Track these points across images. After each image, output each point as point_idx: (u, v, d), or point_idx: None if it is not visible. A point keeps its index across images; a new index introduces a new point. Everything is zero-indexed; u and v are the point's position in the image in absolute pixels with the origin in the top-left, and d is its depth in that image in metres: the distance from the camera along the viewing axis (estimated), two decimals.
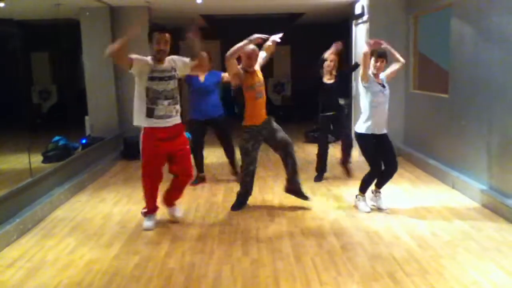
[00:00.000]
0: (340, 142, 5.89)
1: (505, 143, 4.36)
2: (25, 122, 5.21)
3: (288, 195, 4.92)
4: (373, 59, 4.39)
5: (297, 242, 3.82)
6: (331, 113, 5.61)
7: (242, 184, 4.73)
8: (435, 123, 5.94)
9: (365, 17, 7.06)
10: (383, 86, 4.45)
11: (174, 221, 4.39)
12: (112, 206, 4.94)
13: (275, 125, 4.65)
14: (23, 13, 7.01)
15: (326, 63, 5.54)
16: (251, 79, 4.47)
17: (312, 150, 7.03)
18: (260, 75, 4.57)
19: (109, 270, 3.39)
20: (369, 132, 4.39)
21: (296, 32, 11.49)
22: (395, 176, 5.79)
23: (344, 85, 5.61)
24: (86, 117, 7.62)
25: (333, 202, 4.91)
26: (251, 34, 4.44)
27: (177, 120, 4.11)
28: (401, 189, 5.30)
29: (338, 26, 10.11)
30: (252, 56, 4.48)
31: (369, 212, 4.48)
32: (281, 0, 7.39)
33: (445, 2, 5.61)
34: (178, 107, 4.10)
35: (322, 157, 5.77)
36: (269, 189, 5.41)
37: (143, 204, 4.98)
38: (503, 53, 4.37)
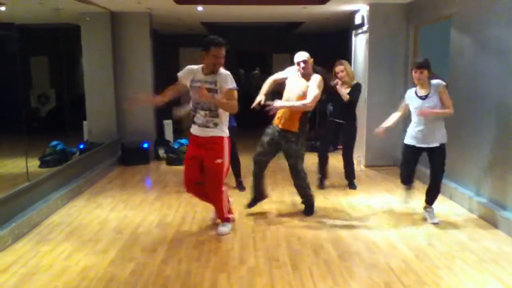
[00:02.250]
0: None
1: (503, 155, 4.36)
2: (22, 126, 5.18)
3: (285, 203, 4.93)
4: (413, 71, 4.38)
5: (294, 251, 3.81)
6: (341, 121, 5.67)
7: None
8: None
9: (365, 27, 7.09)
10: (424, 98, 4.35)
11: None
12: (108, 212, 4.92)
13: None
14: (23, 17, 7.02)
15: (338, 74, 5.56)
16: None
17: (308, 158, 7.02)
18: None
19: (104, 276, 3.36)
20: (407, 143, 4.49)
21: (295, 40, 11.54)
22: (393, 186, 5.84)
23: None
24: (85, 122, 7.61)
25: (331, 211, 4.90)
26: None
27: (214, 132, 4.05)
28: (398, 199, 5.29)
29: (338, 35, 10.16)
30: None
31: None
32: (281, 9, 7.42)
33: (445, 13, 5.64)
34: (217, 120, 4.02)
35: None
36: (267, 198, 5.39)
37: (140, 210, 4.99)
38: (502, 65, 4.39)
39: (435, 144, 4.37)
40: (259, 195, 4.84)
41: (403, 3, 6.77)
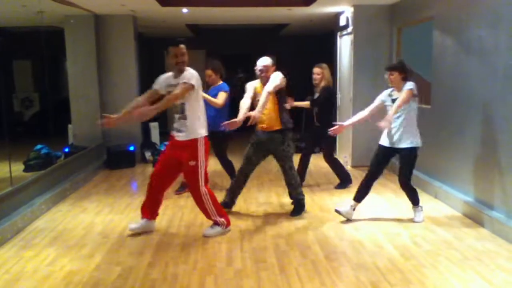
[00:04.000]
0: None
1: (486, 154, 4.43)
2: (5, 130, 5.11)
3: (272, 204, 4.95)
4: (386, 73, 4.41)
5: (281, 252, 3.81)
6: (318, 125, 5.72)
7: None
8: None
9: (349, 29, 7.15)
10: (393, 101, 4.36)
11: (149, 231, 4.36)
12: (94, 216, 4.87)
13: None
14: (6, 20, 6.93)
15: (313, 76, 5.64)
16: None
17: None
18: None
19: (89, 282, 3.33)
20: (380, 143, 4.49)
21: (281, 42, 11.60)
22: (378, 186, 5.88)
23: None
24: (69, 126, 7.54)
25: (317, 211, 4.92)
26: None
27: (185, 136, 4.04)
28: (384, 199, 5.34)
29: (323, 37, 10.22)
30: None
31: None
32: (266, 11, 7.44)
33: (427, 15, 5.71)
34: (188, 123, 4.01)
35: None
36: (254, 199, 5.39)
37: (126, 213, 4.96)
38: (484, 65, 4.46)
39: (403, 146, 4.36)
40: (231, 201, 4.89)
41: (387, 5, 6.84)
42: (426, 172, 5.75)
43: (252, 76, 4.82)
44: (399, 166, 4.50)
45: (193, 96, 3.99)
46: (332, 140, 5.85)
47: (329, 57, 8.34)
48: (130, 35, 7.64)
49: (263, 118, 4.59)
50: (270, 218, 4.72)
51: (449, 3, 5.15)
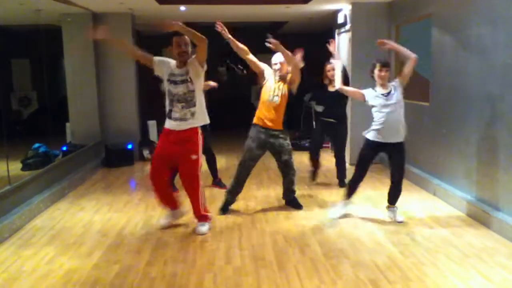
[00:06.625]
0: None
1: (484, 151, 4.43)
2: (4, 129, 5.11)
3: (270, 201, 4.94)
4: (377, 69, 4.34)
5: (280, 250, 3.81)
6: (332, 120, 5.63)
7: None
8: (417, 131, 6.00)
9: (347, 26, 7.14)
10: (387, 95, 4.31)
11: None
12: (92, 214, 4.86)
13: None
14: (3, 19, 6.91)
15: (329, 73, 5.59)
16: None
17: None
18: None
19: (88, 280, 3.32)
20: (372, 139, 4.34)
21: (280, 40, 11.58)
22: (378, 184, 5.88)
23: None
24: (67, 124, 7.52)
25: (316, 209, 4.91)
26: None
27: (190, 124, 4.09)
28: (383, 196, 5.33)
29: (322, 35, 10.20)
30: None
31: (335, 218, 4.47)
32: (264, 8, 7.42)
33: (425, 12, 5.70)
34: (194, 109, 4.08)
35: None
36: (252, 197, 5.39)
37: (124, 212, 4.96)
38: (482, 63, 4.45)
39: (400, 140, 4.32)
40: (234, 198, 4.88)
41: (385, 2, 6.83)
42: (425, 169, 5.75)
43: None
44: (397, 161, 4.41)
45: (200, 83, 4.10)
46: (347, 136, 5.90)
47: (327, 55, 8.33)
48: (128, 33, 7.60)
49: (262, 115, 4.64)
50: (268, 215, 4.71)
51: (448, 0, 5.15)
